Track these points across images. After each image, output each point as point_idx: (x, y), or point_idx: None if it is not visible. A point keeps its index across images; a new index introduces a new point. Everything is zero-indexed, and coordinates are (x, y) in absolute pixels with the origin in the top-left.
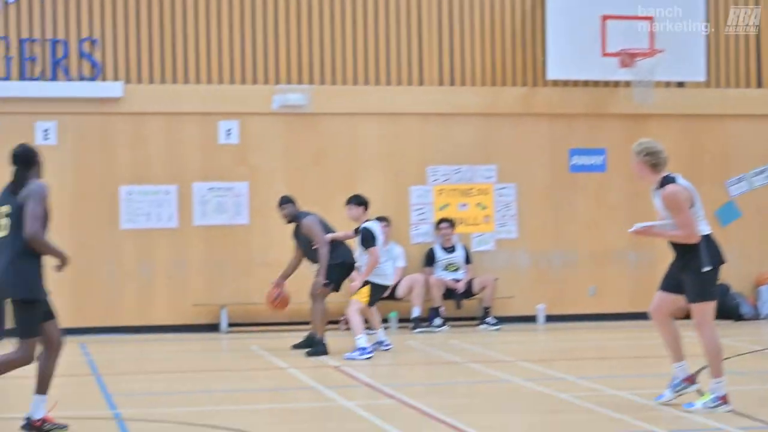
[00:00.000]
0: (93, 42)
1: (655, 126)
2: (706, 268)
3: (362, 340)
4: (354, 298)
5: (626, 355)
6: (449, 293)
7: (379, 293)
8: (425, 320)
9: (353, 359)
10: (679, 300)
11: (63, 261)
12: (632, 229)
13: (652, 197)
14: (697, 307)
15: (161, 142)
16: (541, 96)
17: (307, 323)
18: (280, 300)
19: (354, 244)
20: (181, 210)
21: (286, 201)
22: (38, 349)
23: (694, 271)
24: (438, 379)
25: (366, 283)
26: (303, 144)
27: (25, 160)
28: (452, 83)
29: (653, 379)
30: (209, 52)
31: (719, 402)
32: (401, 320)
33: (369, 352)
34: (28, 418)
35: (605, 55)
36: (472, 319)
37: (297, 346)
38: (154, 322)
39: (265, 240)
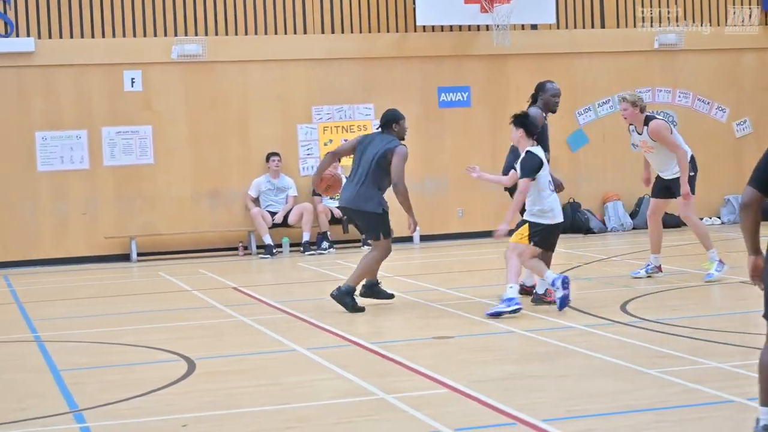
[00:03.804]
0: (6, 2)
1: (512, 65)
2: (692, 173)
3: (512, 289)
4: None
5: (491, 268)
6: (335, 219)
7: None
8: (314, 244)
9: (499, 313)
10: (668, 203)
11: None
12: (683, 198)
13: (635, 135)
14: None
15: (71, 92)
16: (412, 41)
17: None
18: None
19: None
20: (91, 152)
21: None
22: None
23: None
24: (325, 294)
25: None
26: (201, 90)
27: None
28: (333, 31)
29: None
30: (113, 8)
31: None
32: (293, 245)
33: (516, 304)
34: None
35: (467, 2)
36: (356, 241)
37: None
38: (70, 254)
39: (168, 177)
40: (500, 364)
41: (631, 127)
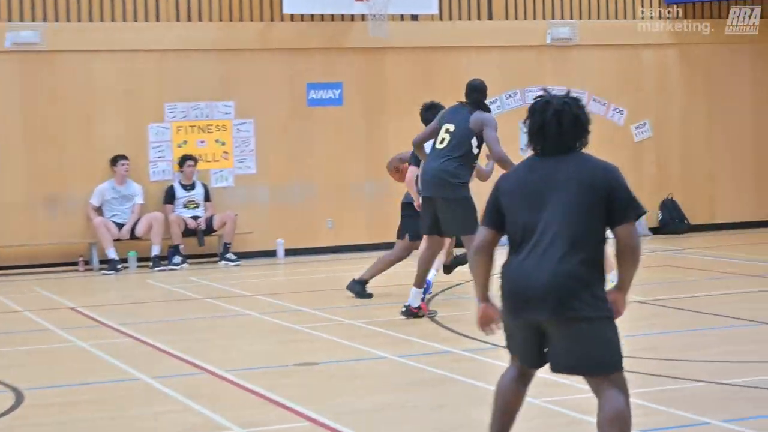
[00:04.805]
0: None
1: (390, 59)
2: None
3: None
4: None
5: None
6: (189, 230)
7: None
8: (164, 258)
9: None
10: None
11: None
12: None
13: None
14: None
15: None
16: (278, 31)
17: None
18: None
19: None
20: None
21: None
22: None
23: None
24: (176, 315)
25: None
26: (38, 83)
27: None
28: (189, 19)
29: (385, 307)
30: None
31: None
32: (140, 259)
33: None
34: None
35: None
36: (213, 255)
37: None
38: None
39: (2, 178)
40: (371, 394)
41: None
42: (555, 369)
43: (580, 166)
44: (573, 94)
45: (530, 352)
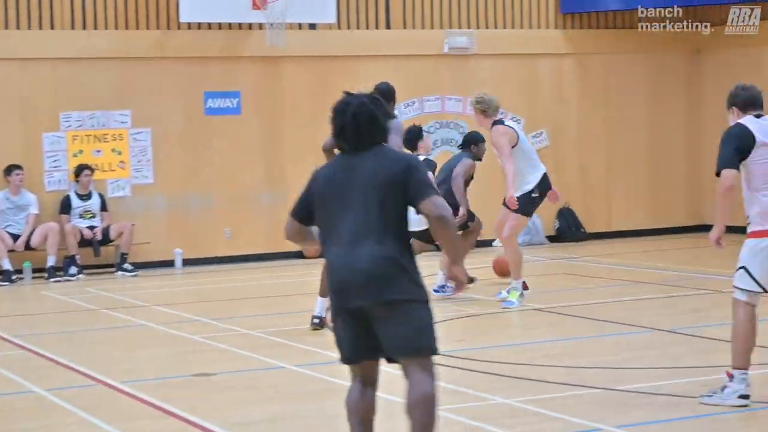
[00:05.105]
0: None
1: (288, 68)
2: (535, 194)
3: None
4: None
5: (259, 295)
6: (85, 241)
7: None
8: (60, 269)
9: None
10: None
11: None
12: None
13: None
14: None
15: None
16: (175, 39)
17: None
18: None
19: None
20: None
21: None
22: None
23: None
24: (71, 327)
25: None
26: None
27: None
28: (84, 27)
29: (283, 317)
30: None
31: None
32: (35, 270)
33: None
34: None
35: None
36: (110, 266)
37: None
38: None
39: None
40: (268, 404)
41: None
42: (387, 354)
43: (381, 158)
44: (373, 95)
45: (359, 345)
